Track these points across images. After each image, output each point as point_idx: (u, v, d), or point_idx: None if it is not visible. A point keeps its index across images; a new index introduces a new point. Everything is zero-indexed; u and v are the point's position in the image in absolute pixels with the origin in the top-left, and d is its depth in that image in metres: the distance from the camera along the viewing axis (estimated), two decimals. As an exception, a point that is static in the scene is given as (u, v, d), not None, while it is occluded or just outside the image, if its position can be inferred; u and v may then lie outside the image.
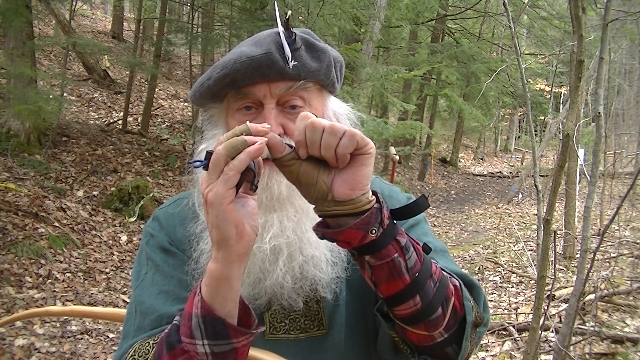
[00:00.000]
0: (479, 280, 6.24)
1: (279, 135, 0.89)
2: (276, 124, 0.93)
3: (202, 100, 1.01)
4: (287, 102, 0.96)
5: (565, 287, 5.10)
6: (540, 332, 2.72)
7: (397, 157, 6.26)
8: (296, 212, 0.96)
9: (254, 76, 0.92)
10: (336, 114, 1.05)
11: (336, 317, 1.02)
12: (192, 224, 1.03)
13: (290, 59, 0.91)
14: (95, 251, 5.57)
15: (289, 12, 0.95)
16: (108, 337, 4.26)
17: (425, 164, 15.74)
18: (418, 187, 14.72)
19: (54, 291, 4.60)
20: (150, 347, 0.90)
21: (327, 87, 1.02)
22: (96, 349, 4.06)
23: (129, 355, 0.91)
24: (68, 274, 4.94)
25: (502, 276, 6.24)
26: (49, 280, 4.71)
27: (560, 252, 6.39)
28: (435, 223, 10.85)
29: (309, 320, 1.01)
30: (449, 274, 0.93)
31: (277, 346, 0.98)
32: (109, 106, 10.41)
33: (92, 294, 4.82)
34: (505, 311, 5.02)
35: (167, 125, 10.39)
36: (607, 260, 5.40)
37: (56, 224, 5.56)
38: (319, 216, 0.81)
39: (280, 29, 0.93)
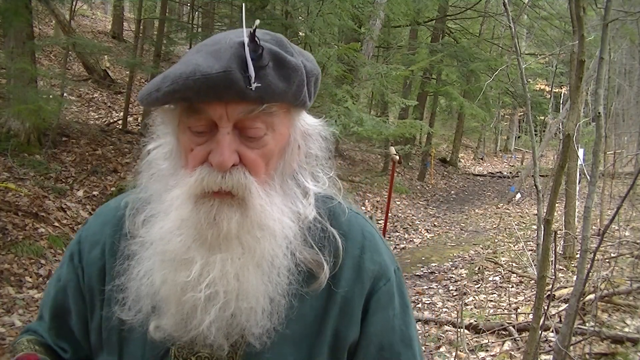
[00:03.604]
0: (479, 280, 6.24)
1: (233, 164, 0.81)
2: (230, 151, 0.81)
3: (151, 107, 0.89)
4: (246, 127, 0.83)
5: (565, 287, 5.10)
6: (540, 332, 2.72)
7: (397, 157, 6.25)
8: (243, 252, 0.84)
9: (208, 95, 0.79)
10: (305, 134, 0.92)
11: None
12: (123, 241, 0.93)
13: (253, 80, 0.77)
14: (95, 251, 5.57)
15: (257, 22, 0.81)
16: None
17: (425, 163, 15.74)
18: (418, 187, 14.72)
19: (54, 291, 4.60)
20: (24, 346, 0.99)
21: (296, 107, 0.89)
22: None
23: (23, 339, 1.02)
24: (68, 274, 4.94)
25: (502, 276, 6.24)
26: (49, 281, 4.71)
27: (560, 252, 6.39)
28: (435, 223, 10.85)
29: None
30: None
31: None
32: (109, 106, 10.41)
33: (92, 294, 4.82)
34: (505, 311, 5.02)
35: (167, 125, 10.38)
36: (607, 260, 5.40)
37: (56, 224, 5.56)
38: None
39: (246, 40, 0.79)
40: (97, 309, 0.96)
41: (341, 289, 0.90)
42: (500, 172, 20.08)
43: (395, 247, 8.67)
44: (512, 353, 3.99)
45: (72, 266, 1.00)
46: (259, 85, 0.78)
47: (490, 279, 6.23)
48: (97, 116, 9.78)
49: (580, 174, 6.60)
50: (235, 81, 0.77)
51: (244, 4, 0.99)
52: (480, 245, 8.30)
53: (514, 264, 6.65)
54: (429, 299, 5.72)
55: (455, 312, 4.72)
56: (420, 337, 4.48)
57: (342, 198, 0.99)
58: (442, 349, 4.19)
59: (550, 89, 21.63)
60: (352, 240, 0.94)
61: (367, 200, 11.27)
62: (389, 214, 7.24)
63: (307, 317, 0.89)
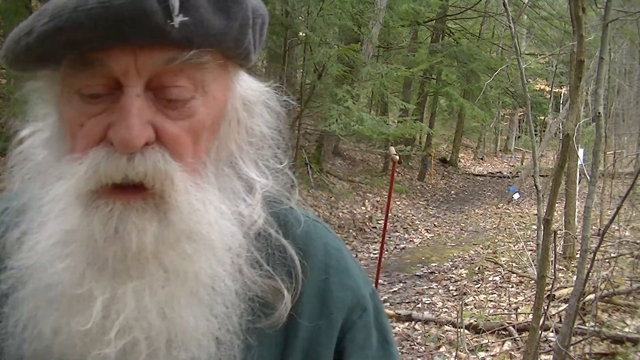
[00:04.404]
0: (479, 280, 6.24)
1: (146, 143, 0.54)
2: (141, 121, 0.53)
3: (23, 66, 0.59)
4: (164, 86, 0.55)
5: (565, 287, 5.10)
6: (540, 332, 2.72)
7: (397, 157, 6.25)
8: (168, 278, 0.56)
9: (108, 36, 0.51)
10: (247, 103, 0.65)
11: None
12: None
13: (176, 11, 0.51)
14: (95, 251, 5.58)
15: None
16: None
17: (425, 164, 15.74)
18: (418, 187, 14.73)
19: (54, 291, 4.60)
20: None
21: (236, 59, 0.61)
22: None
23: None
24: (68, 274, 4.94)
25: (502, 276, 6.24)
26: None
27: (560, 252, 6.39)
28: (435, 223, 10.85)
29: None
30: None
31: None
32: (109, 106, 10.42)
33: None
34: (505, 311, 5.02)
35: (167, 125, 10.38)
36: (607, 260, 5.40)
37: (56, 223, 5.57)
38: None
39: None
40: None
41: (303, 327, 0.65)
42: (500, 172, 20.09)
43: (395, 247, 8.67)
44: (512, 353, 3.99)
45: None
46: (186, 19, 0.52)
47: (490, 279, 6.23)
48: (97, 116, 9.79)
49: (580, 174, 6.61)
50: (150, 12, 0.50)
51: None
52: (480, 245, 8.30)
53: (514, 264, 6.65)
54: (429, 299, 5.72)
55: (455, 312, 4.72)
56: (420, 337, 4.49)
57: (296, 201, 0.71)
58: (442, 349, 4.19)
59: (550, 89, 21.65)
60: (313, 259, 0.67)
61: (367, 200, 11.27)
62: (389, 214, 7.25)
63: None
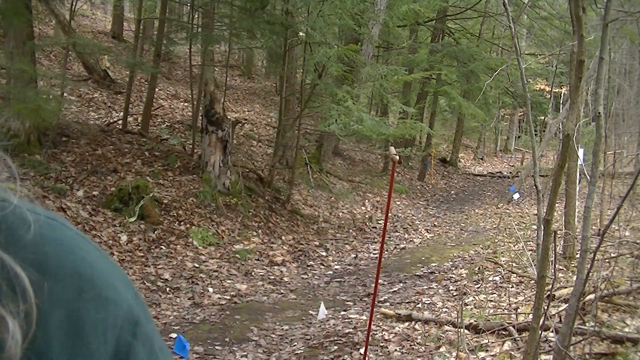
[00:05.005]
0: (479, 280, 6.24)
1: None
2: None
3: None
4: None
5: (565, 287, 5.09)
6: (540, 332, 2.72)
7: (397, 157, 6.24)
8: None
9: None
10: None
11: None
12: None
13: None
14: (95, 251, 5.57)
15: None
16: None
17: (425, 164, 15.75)
18: (418, 187, 14.72)
19: (54, 291, 4.59)
20: None
21: None
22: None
23: None
24: (68, 274, 4.94)
25: (502, 276, 6.23)
26: None
27: (560, 252, 6.39)
28: (435, 223, 10.85)
29: None
30: None
31: None
32: (109, 106, 10.41)
33: (92, 294, 4.82)
34: (505, 311, 5.02)
35: (167, 125, 10.39)
36: (607, 260, 5.40)
37: (56, 224, 5.56)
38: None
39: None
40: None
41: None
42: (500, 172, 20.09)
43: (395, 247, 8.67)
44: (512, 353, 3.99)
45: None
46: None
47: (490, 279, 6.23)
48: (97, 116, 9.78)
49: (580, 174, 6.61)
50: None
51: None
52: (480, 245, 8.30)
53: (514, 264, 6.65)
54: (429, 299, 5.72)
55: (455, 312, 4.72)
56: (420, 337, 4.48)
57: (19, 196, 0.50)
58: (442, 349, 4.19)
59: (550, 89, 21.64)
60: (59, 271, 0.48)
61: (367, 200, 11.27)
62: (389, 214, 7.26)
63: None
